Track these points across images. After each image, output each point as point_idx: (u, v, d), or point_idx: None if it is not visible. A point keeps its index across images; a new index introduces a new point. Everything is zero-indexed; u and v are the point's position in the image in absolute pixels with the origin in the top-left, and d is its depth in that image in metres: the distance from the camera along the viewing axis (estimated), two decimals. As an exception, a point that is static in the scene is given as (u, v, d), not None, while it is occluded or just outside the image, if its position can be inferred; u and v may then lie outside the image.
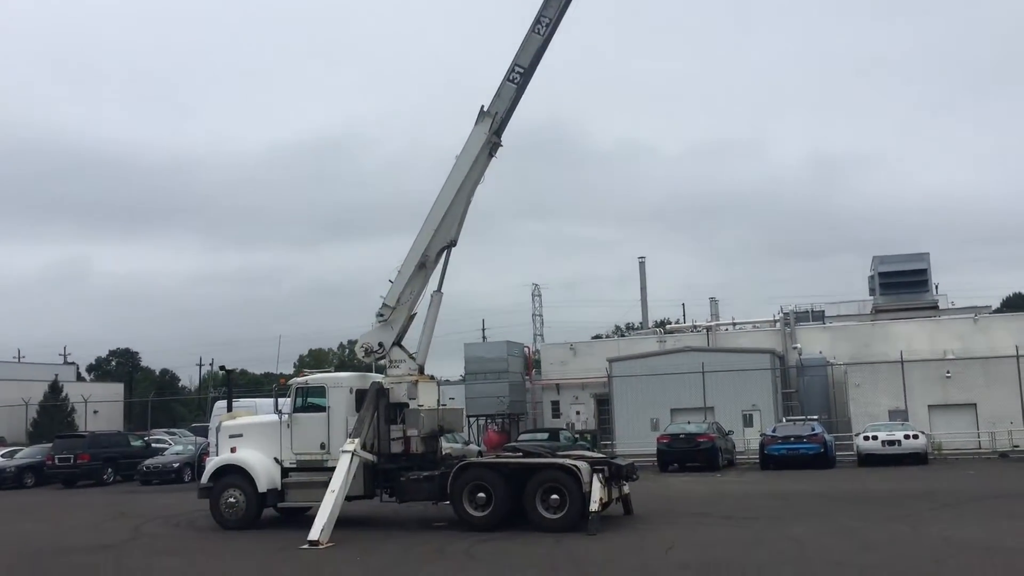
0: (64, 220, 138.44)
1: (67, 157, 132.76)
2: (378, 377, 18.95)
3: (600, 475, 16.37)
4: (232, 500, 18.39)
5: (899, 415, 41.17)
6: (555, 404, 54.84)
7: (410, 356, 18.95)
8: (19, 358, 77.39)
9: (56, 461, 34.00)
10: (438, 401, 19.68)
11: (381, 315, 18.99)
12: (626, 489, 17.86)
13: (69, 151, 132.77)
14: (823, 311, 61.91)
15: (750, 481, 25.95)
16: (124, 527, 19.91)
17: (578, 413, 53.55)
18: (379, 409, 18.08)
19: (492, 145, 18.95)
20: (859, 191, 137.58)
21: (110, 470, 34.86)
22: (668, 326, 67.30)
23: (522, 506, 16.76)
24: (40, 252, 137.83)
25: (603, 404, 51.24)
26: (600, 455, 18.75)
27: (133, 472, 34.52)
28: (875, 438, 29.55)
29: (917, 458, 29.11)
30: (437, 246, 18.98)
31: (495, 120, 18.82)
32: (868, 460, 29.38)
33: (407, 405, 18.29)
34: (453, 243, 19.14)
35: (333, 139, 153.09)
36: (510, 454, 18.27)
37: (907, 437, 29.26)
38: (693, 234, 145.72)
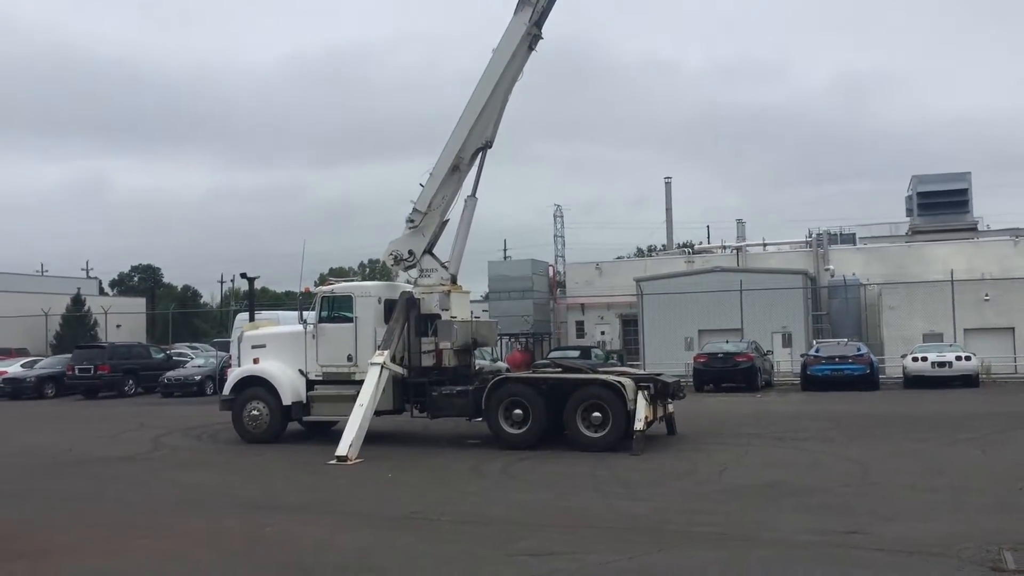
0: (81, 135, 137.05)
1: (81, 71, 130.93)
2: (408, 287, 17.91)
3: (645, 392, 15.39)
4: (255, 413, 17.59)
5: (934, 339, 40.19)
6: (580, 324, 53.97)
7: (442, 265, 17.84)
8: (42, 272, 77.15)
9: (76, 372, 33.48)
10: (471, 313, 18.65)
11: (411, 221, 17.83)
12: (671, 408, 16.89)
13: (83, 65, 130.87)
14: (854, 234, 60.50)
15: (794, 402, 24.95)
16: (144, 439, 19.24)
17: (603, 333, 52.69)
18: (409, 320, 17.07)
19: (532, 37, 17.52)
20: (886, 115, 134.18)
21: (131, 382, 34.36)
22: (696, 246, 65.89)
23: (560, 424, 15.90)
24: (58, 168, 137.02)
25: (628, 324, 50.35)
26: (643, 372, 17.71)
27: (154, 384, 34.05)
28: (924, 359, 28.33)
29: (968, 381, 27.93)
30: (472, 147, 17.70)
31: (535, 9, 17.34)
32: (915, 382, 28.20)
33: (439, 316, 17.26)
34: (489, 144, 17.86)
35: (349, 53, 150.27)
36: (549, 369, 17.29)
37: (958, 359, 28.03)
38: (714, 156, 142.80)
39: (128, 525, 10.54)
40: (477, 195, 18.04)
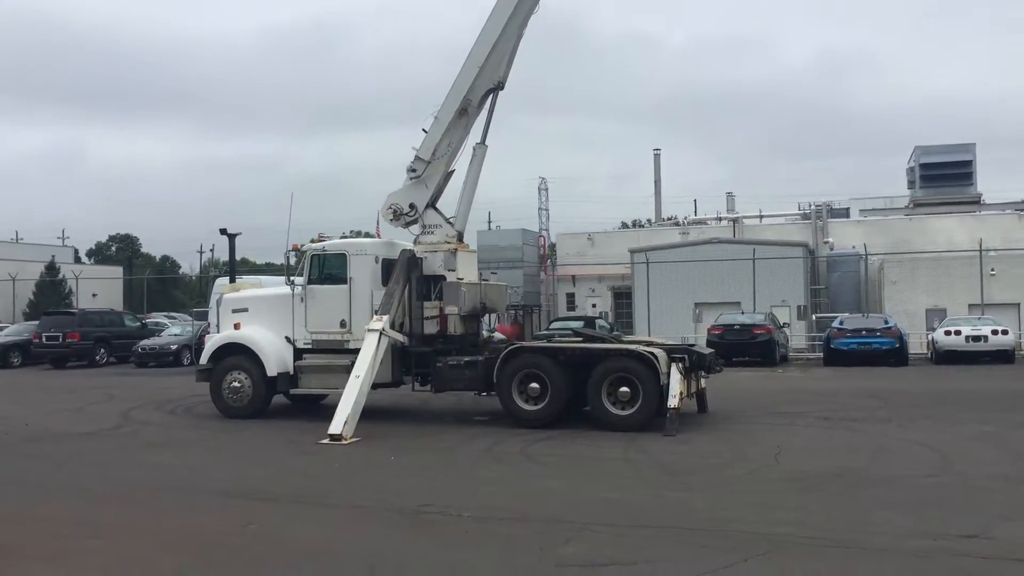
0: (57, 103, 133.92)
1: (58, 39, 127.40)
2: (408, 245, 16.00)
3: (679, 365, 13.58)
4: (236, 384, 15.67)
5: (938, 314, 38.93)
6: (570, 296, 52.22)
7: (447, 221, 15.91)
8: (17, 239, 74.43)
9: (43, 339, 31.36)
10: (479, 275, 16.75)
11: (413, 170, 15.86)
12: (703, 383, 15.12)
13: (59, 33, 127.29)
14: (847, 208, 59.17)
15: (822, 377, 23.18)
16: (112, 412, 17.34)
17: (594, 306, 50.97)
18: (411, 282, 15.17)
19: (551, -36, 15.55)
20: (866, 93, 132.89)
21: (103, 351, 32.33)
22: (691, 218, 64.16)
23: (580, 399, 14.14)
24: (34, 135, 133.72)
25: (620, 297, 48.71)
26: (674, 343, 15.92)
27: (128, 354, 32.04)
28: (958, 333, 26.57)
29: (1004, 356, 26.22)
30: (482, 88, 15.73)
31: (556, -70, 15.39)
32: (947, 357, 26.55)
33: (444, 278, 15.37)
34: (501, 86, 15.89)
35: (329, 26, 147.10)
36: (570, 338, 15.47)
37: (994, 333, 26.29)
38: (696, 132, 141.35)
39: (81, 519, 8.68)
40: (487, 142, 16.10)
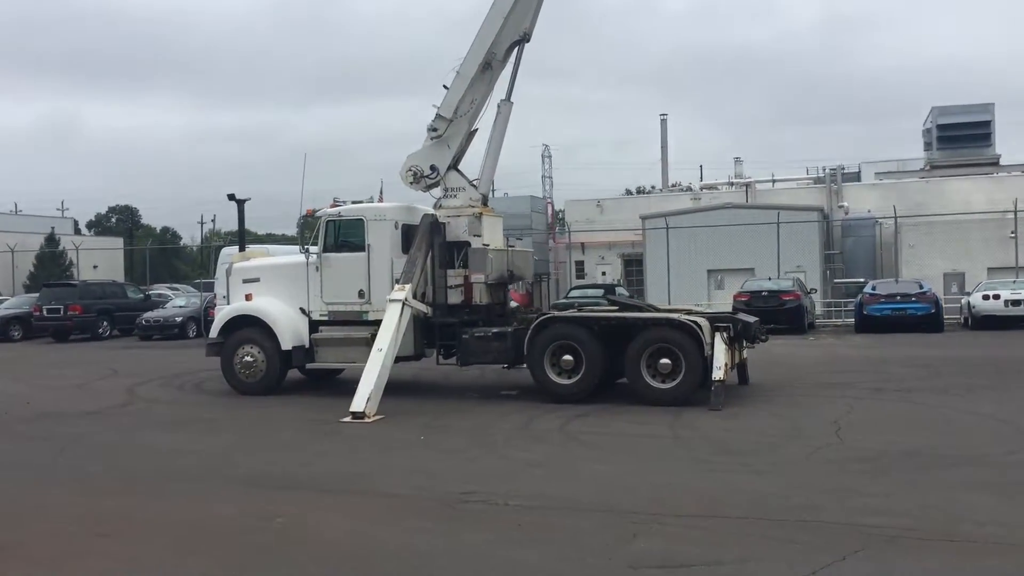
0: (56, 73, 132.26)
1: (54, 8, 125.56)
2: (429, 209, 15.05)
3: (723, 335, 12.70)
4: (249, 359, 14.79)
5: (956, 278, 38.13)
6: (579, 264, 51.32)
7: (470, 183, 14.95)
8: (16, 211, 73.42)
9: (44, 312, 30.50)
10: (506, 240, 15.81)
11: (434, 130, 14.85)
12: (745, 354, 14.24)
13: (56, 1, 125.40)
14: (858, 172, 58.19)
15: (860, 345, 22.25)
16: (117, 389, 16.51)
17: (604, 273, 50.11)
18: (433, 249, 14.25)
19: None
20: (872, 54, 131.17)
21: (106, 323, 31.47)
22: (701, 183, 63.08)
23: (614, 372, 13.28)
24: (32, 106, 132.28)
25: (631, 264, 47.86)
26: (715, 311, 15.02)
27: (131, 326, 31.18)
28: (996, 297, 25.63)
29: (1043, 321, 25.40)
30: (507, 40, 14.71)
31: None
32: (984, 323, 25.62)
33: (468, 244, 14.43)
34: (527, 38, 14.87)
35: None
36: (605, 308, 14.57)
37: (1035, 296, 25.43)
38: (699, 98, 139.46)
39: (86, 512, 7.83)
40: (512, 99, 15.09)
